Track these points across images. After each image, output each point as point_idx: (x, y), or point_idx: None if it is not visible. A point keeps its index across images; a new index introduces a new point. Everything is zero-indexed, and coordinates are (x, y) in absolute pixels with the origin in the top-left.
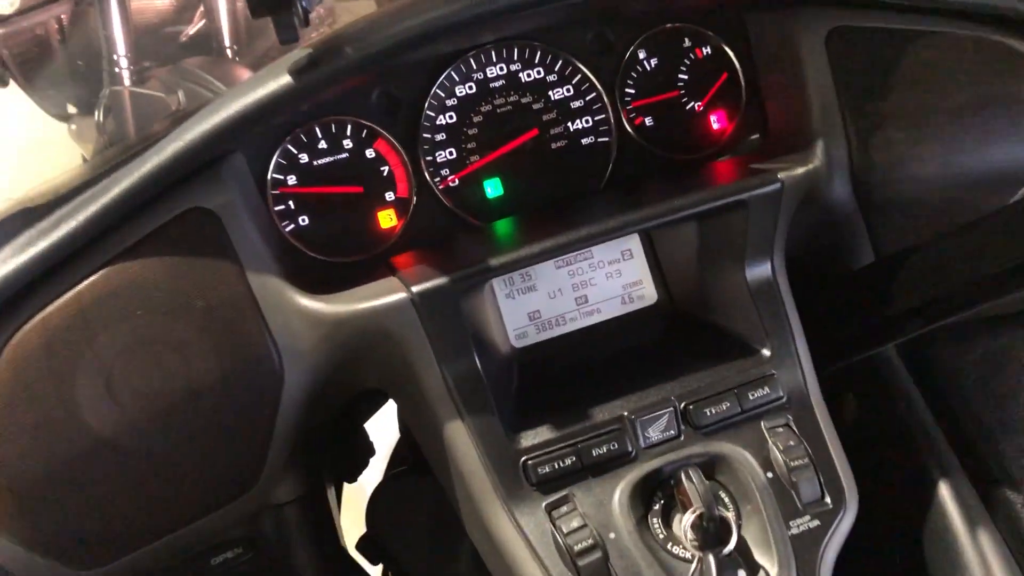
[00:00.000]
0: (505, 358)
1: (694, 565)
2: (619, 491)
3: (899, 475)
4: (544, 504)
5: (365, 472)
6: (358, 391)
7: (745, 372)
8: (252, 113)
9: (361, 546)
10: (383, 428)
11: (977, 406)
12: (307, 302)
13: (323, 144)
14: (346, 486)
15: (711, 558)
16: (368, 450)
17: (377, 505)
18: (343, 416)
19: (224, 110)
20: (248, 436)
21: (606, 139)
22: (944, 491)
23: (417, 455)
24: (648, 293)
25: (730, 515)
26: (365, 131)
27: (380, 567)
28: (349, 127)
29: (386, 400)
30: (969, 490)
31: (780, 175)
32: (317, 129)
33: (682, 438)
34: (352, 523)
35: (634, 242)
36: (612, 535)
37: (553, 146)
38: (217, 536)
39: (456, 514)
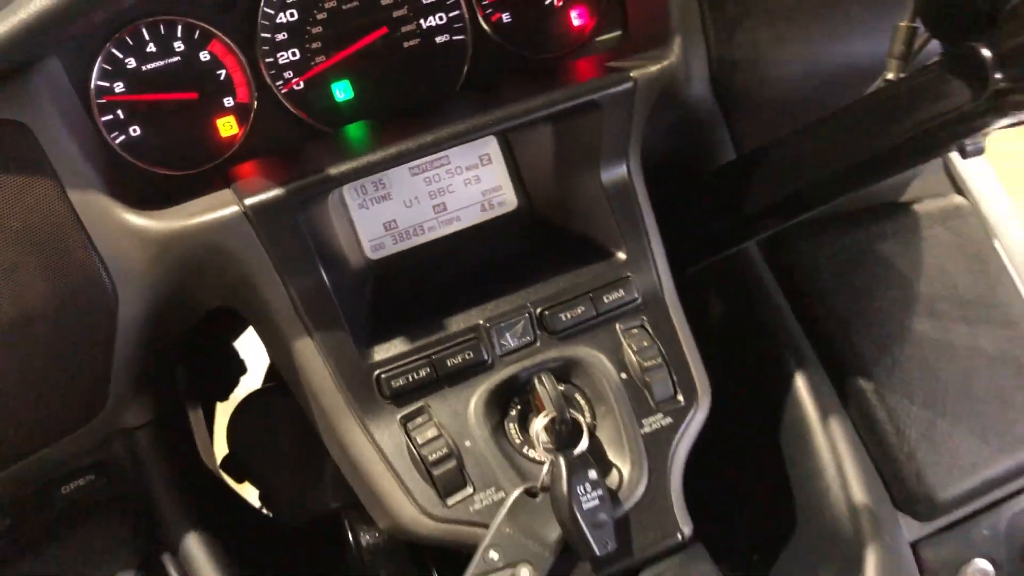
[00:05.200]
0: (360, 270)
1: (546, 467)
2: (475, 400)
3: (759, 368)
4: (399, 417)
5: (239, 390)
6: (205, 311)
7: (601, 276)
8: (61, 12)
9: (225, 465)
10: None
11: (833, 300)
12: (135, 219)
13: (152, 47)
14: (222, 404)
15: (562, 459)
16: (239, 368)
17: (237, 423)
18: (210, 334)
19: (27, 8)
20: (87, 360)
21: (461, 37)
22: (800, 382)
23: None
24: (508, 199)
25: (582, 417)
26: (197, 32)
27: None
28: (180, 28)
29: None
30: (824, 380)
31: (633, 73)
32: (144, 30)
33: (538, 344)
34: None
35: (492, 146)
36: (468, 443)
37: (405, 45)
38: (66, 464)
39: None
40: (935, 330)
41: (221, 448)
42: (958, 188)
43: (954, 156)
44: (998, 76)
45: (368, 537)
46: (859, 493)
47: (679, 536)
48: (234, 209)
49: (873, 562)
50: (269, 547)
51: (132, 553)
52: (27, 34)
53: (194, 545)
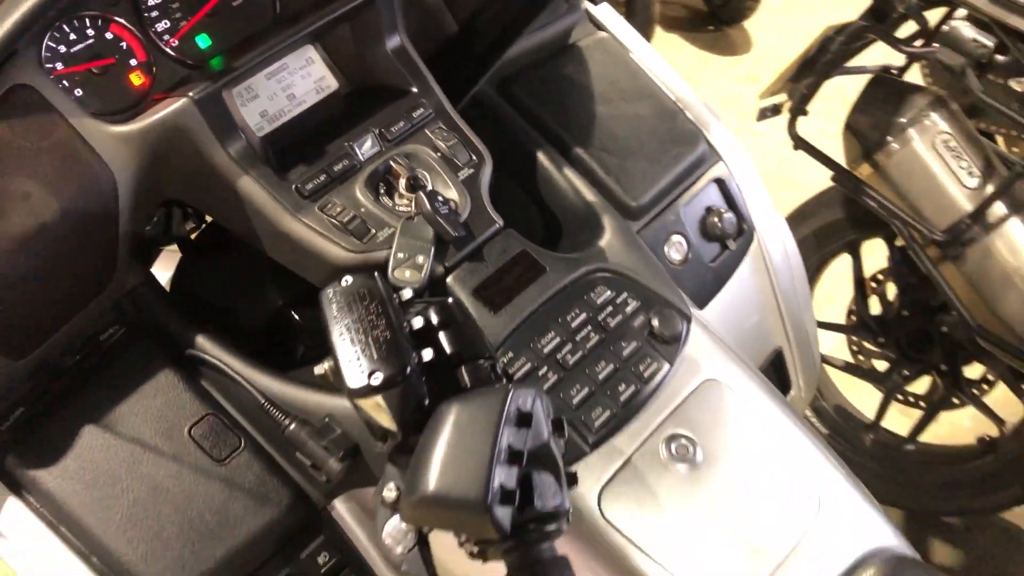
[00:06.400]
0: (257, 143)
1: (413, 203)
2: (357, 186)
3: (516, 153)
4: (316, 207)
5: None
6: (164, 198)
7: (406, 104)
8: (26, 20)
9: None
10: None
11: (544, 105)
12: (117, 128)
13: (73, 36)
14: None
15: (421, 193)
16: None
17: (178, 283)
18: None
19: (20, 8)
20: (101, 236)
21: None
22: (541, 156)
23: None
24: (331, 83)
25: (424, 178)
26: (100, 20)
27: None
28: (87, 19)
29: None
30: (555, 152)
31: None
32: (64, 26)
33: (383, 149)
34: None
35: (312, 52)
36: (363, 209)
37: (233, 4)
38: (97, 321)
39: (250, 265)
40: (609, 109)
41: None
42: (600, 28)
43: (591, 8)
44: None
45: (309, 315)
46: (591, 198)
47: (496, 224)
48: (185, 100)
49: (606, 223)
50: None
51: (164, 357)
52: (19, 27)
53: (202, 339)
